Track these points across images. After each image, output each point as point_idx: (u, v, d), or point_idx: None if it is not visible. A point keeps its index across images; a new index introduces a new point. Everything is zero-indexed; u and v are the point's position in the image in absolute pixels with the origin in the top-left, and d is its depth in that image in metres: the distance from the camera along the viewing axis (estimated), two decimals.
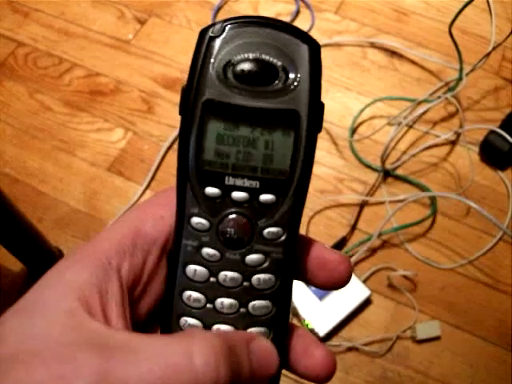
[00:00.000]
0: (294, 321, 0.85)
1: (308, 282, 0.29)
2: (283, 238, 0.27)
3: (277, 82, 0.26)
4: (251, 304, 0.28)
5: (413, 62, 1.12)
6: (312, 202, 0.95)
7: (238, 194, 0.27)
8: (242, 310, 0.28)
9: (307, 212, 0.94)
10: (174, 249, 0.28)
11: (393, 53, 1.13)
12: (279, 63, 0.26)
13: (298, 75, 0.26)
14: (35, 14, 1.18)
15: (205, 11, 1.18)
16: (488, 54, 0.95)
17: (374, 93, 1.08)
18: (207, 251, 0.27)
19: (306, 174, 0.27)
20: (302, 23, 1.17)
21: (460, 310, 0.87)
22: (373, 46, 1.14)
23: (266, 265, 0.27)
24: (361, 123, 1.05)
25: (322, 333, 0.82)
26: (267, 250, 0.27)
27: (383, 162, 0.96)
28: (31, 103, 1.06)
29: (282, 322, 0.28)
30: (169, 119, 1.04)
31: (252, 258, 0.27)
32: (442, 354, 0.84)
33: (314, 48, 0.26)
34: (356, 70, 1.11)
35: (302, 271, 0.29)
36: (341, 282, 0.29)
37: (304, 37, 0.26)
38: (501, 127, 0.98)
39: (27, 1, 1.19)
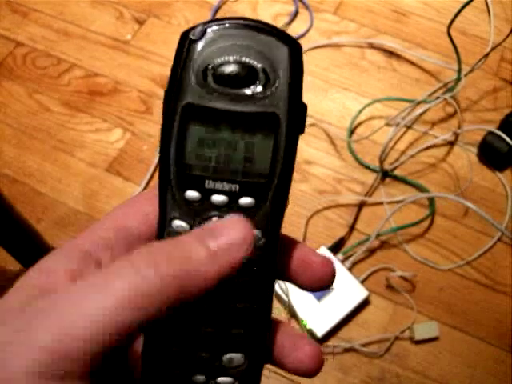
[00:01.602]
0: (293, 321, 0.85)
1: (291, 282, 0.29)
2: (262, 241, 0.27)
3: (257, 84, 0.25)
4: (232, 306, 0.27)
5: (411, 63, 1.12)
6: (310, 202, 0.95)
7: (217, 198, 0.26)
8: (224, 308, 0.28)
9: (305, 213, 0.94)
10: None
11: (391, 53, 1.13)
12: (259, 65, 0.25)
13: (278, 77, 0.26)
14: (34, 14, 1.18)
15: (204, 11, 1.18)
16: (487, 55, 0.95)
17: (372, 93, 1.08)
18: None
19: (285, 178, 0.27)
20: (300, 24, 1.17)
21: (458, 311, 0.87)
22: (371, 46, 1.14)
23: (244, 268, 0.27)
24: (359, 124, 1.05)
25: (320, 333, 0.82)
26: None
27: (382, 162, 0.96)
28: (30, 103, 1.06)
29: (263, 322, 0.28)
30: None
31: None
32: (441, 355, 0.84)
33: (295, 49, 0.26)
34: (355, 70, 1.11)
35: (285, 271, 0.28)
36: (324, 283, 0.28)
37: (285, 38, 0.26)
38: (499, 128, 0.98)
39: (26, 1, 1.19)
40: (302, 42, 1.14)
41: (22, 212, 0.80)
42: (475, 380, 0.83)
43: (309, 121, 1.03)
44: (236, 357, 0.28)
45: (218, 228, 0.24)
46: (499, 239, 0.93)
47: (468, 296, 0.89)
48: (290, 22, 1.17)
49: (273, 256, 0.28)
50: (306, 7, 1.19)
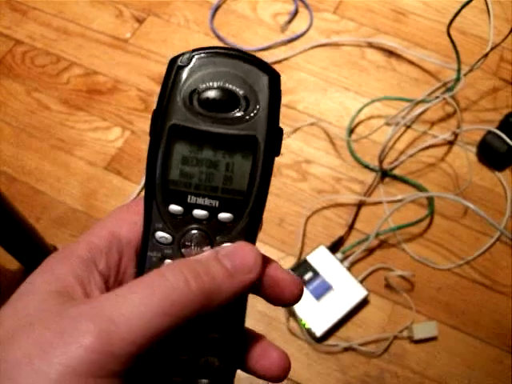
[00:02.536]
0: (291, 320, 0.85)
1: (262, 297, 0.31)
2: None
3: (238, 109, 0.28)
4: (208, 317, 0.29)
5: (411, 63, 1.12)
6: (310, 201, 0.95)
7: (198, 212, 0.29)
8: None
9: (305, 212, 0.94)
10: (140, 259, 0.30)
11: (391, 53, 1.13)
12: (241, 92, 0.28)
13: (258, 104, 0.28)
14: (33, 12, 1.17)
15: (203, 10, 1.18)
16: (486, 55, 0.95)
17: (371, 93, 1.08)
18: (169, 263, 0.29)
19: (261, 195, 0.29)
20: (300, 23, 1.17)
21: (457, 311, 0.87)
22: (371, 46, 1.14)
23: None
24: (359, 123, 1.05)
25: (318, 333, 0.83)
26: None
27: (381, 162, 0.96)
28: (29, 102, 1.06)
29: (236, 328, 0.30)
30: None
31: None
32: (439, 355, 0.84)
33: (274, 78, 0.28)
34: (354, 69, 1.11)
35: (257, 286, 0.30)
36: (291, 301, 0.30)
37: (265, 68, 0.28)
38: (498, 128, 0.98)
39: None
40: (301, 41, 1.14)
41: (20, 210, 0.80)
42: (473, 380, 0.83)
43: (308, 120, 1.03)
44: (212, 360, 0.30)
45: (232, 251, 0.28)
46: (498, 239, 0.93)
47: (467, 296, 0.89)
48: (290, 21, 1.17)
49: None
50: (306, 6, 1.19)
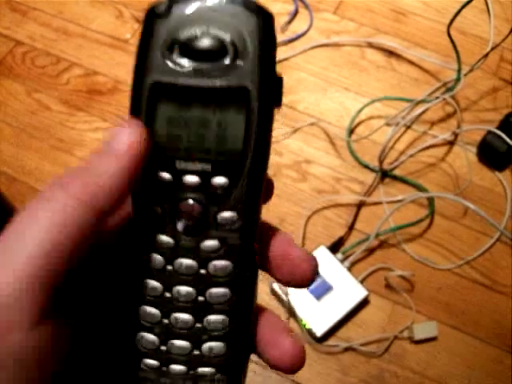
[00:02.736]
0: (291, 321, 0.85)
1: (270, 275, 0.28)
2: (238, 223, 0.26)
3: (226, 57, 0.24)
4: (208, 292, 0.27)
5: (411, 63, 1.12)
6: (309, 201, 0.95)
7: (189, 178, 0.25)
8: (199, 298, 0.27)
9: (305, 212, 0.94)
10: (130, 237, 0.27)
11: (391, 53, 1.13)
12: (228, 37, 0.24)
13: (248, 49, 0.24)
14: (33, 12, 1.17)
15: None
16: (486, 55, 0.95)
17: (371, 93, 1.08)
18: (162, 238, 0.26)
19: (260, 154, 0.25)
20: (300, 23, 1.17)
21: (457, 311, 0.87)
22: (371, 46, 1.14)
23: (221, 251, 0.26)
24: (359, 123, 1.05)
25: (319, 333, 0.82)
26: (222, 235, 0.26)
27: (381, 162, 0.96)
28: (29, 102, 1.06)
29: (243, 310, 0.27)
30: None
31: (207, 244, 0.26)
32: (439, 355, 0.84)
33: (266, 20, 0.24)
34: (354, 69, 1.11)
35: (265, 263, 0.28)
36: (303, 281, 0.27)
37: (254, 8, 0.24)
38: (499, 128, 0.98)
39: None
40: (301, 41, 1.14)
41: (20, 211, 0.80)
42: (474, 380, 0.83)
43: (308, 120, 1.03)
44: (217, 346, 0.27)
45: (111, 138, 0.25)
46: (498, 239, 0.93)
47: (467, 296, 0.89)
48: (290, 22, 1.17)
49: (251, 239, 0.27)
50: (306, 6, 1.19)
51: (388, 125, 1.03)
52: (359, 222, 0.94)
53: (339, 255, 0.89)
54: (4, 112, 1.05)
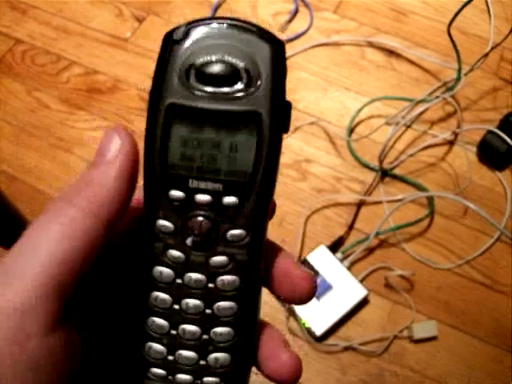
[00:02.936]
0: (291, 320, 0.85)
1: (271, 291, 0.29)
2: (246, 240, 0.27)
3: (239, 83, 0.26)
4: (216, 305, 0.28)
5: (411, 62, 1.12)
6: (309, 201, 0.95)
7: (201, 197, 0.27)
8: (207, 310, 0.28)
9: (304, 211, 0.94)
10: (141, 250, 0.28)
11: (391, 52, 1.13)
12: (242, 64, 0.25)
13: (261, 76, 0.26)
14: (33, 11, 1.17)
15: (203, 9, 1.18)
16: (486, 55, 0.95)
17: (372, 92, 1.08)
18: (172, 253, 0.28)
19: (268, 176, 0.27)
20: (300, 22, 1.17)
21: (457, 310, 0.87)
22: (371, 45, 1.14)
23: (230, 267, 0.28)
24: (359, 123, 1.05)
25: (318, 332, 0.82)
26: (231, 252, 0.27)
27: (381, 161, 0.96)
28: (29, 101, 1.06)
29: (248, 323, 0.29)
30: None
31: (216, 259, 0.28)
32: (439, 354, 0.84)
33: (278, 47, 0.26)
34: (354, 69, 1.11)
35: (268, 280, 0.29)
36: (302, 299, 0.29)
37: (267, 37, 0.26)
38: (499, 127, 0.98)
39: None
40: (301, 40, 1.14)
41: (20, 209, 0.80)
42: (473, 379, 0.83)
43: (308, 119, 1.03)
44: (222, 357, 0.28)
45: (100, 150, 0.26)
46: (498, 239, 0.93)
47: (467, 295, 0.89)
48: (290, 21, 1.17)
49: (258, 255, 0.28)
50: (306, 6, 1.19)
51: (388, 124, 1.03)
52: (359, 221, 0.94)
53: (339, 254, 0.88)
54: (4, 111, 1.05)
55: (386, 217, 0.90)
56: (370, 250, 0.91)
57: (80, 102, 1.06)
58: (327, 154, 1.00)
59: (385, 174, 0.98)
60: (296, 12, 1.18)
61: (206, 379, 0.29)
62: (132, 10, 1.18)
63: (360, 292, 0.85)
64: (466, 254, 0.91)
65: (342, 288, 0.85)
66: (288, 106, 0.26)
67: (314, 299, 0.84)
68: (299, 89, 1.08)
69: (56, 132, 1.02)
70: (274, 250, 0.29)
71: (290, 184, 0.97)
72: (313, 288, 0.29)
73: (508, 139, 0.95)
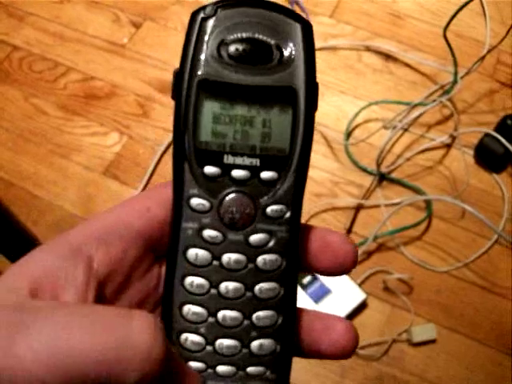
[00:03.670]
0: None
1: (311, 270, 0.28)
2: (287, 215, 0.27)
3: (272, 60, 0.25)
4: (258, 287, 0.27)
5: (408, 66, 1.12)
6: (307, 205, 0.95)
7: (238, 173, 0.26)
8: (248, 293, 0.27)
9: (303, 216, 0.93)
10: (172, 233, 0.27)
11: (388, 56, 1.14)
12: (273, 42, 0.25)
13: (293, 53, 0.25)
14: (30, 17, 1.17)
15: None
16: (483, 58, 0.96)
17: (369, 96, 1.08)
18: (209, 233, 0.26)
19: (306, 151, 0.26)
20: None
21: (455, 313, 0.87)
22: (368, 49, 1.15)
23: (270, 244, 0.27)
24: (356, 127, 1.05)
25: None
26: (271, 228, 0.27)
27: (378, 165, 0.96)
28: (26, 107, 1.06)
29: (290, 305, 0.27)
30: (164, 123, 1.03)
31: (256, 237, 0.26)
32: (438, 357, 0.84)
33: (307, 27, 0.26)
34: (351, 73, 1.12)
35: (304, 257, 0.28)
36: (346, 264, 0.27)
37: (296, 17, 0.26)
38: (496, 130, 0.98)
39: (22, 5, 1.18)
40: None
41: (18, 215, 0.80)
42: (473, 382, 0.83)
43: None
44: (267, 343, 0.27)
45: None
46: (496, 241, 0.93)
47: (465, 298, 0.89)
48: None
49: (297, 232, 0.27)
50: (303, 10, 1.19)
51: (385, 128, 1.03)
52: (357, 225, 0.94)
53: None
54: (1, 117, 1.05)
55: (384, 220, 0.91)
56: (369, 254, 0.91)
57: (77, 108, 1.06)
58: (325, 159, 1.01)
59: (382, 177, 0.99)
60: None
61: (249, 369, 0.27)
62: (129, 16, 1.18)
63: (359, 296, 0.85)
64: (464, 256, 0.91)
65: (341, 292, 0.85)
66: (317, 86, 0.26)
67: (313, 303, 0.84)
68: None
69: (53, 138, 1.02)
70: (303, 225, 0.28)
71: None
72: (355, 249, 0.27)
73: (505, 142, 0.95)
